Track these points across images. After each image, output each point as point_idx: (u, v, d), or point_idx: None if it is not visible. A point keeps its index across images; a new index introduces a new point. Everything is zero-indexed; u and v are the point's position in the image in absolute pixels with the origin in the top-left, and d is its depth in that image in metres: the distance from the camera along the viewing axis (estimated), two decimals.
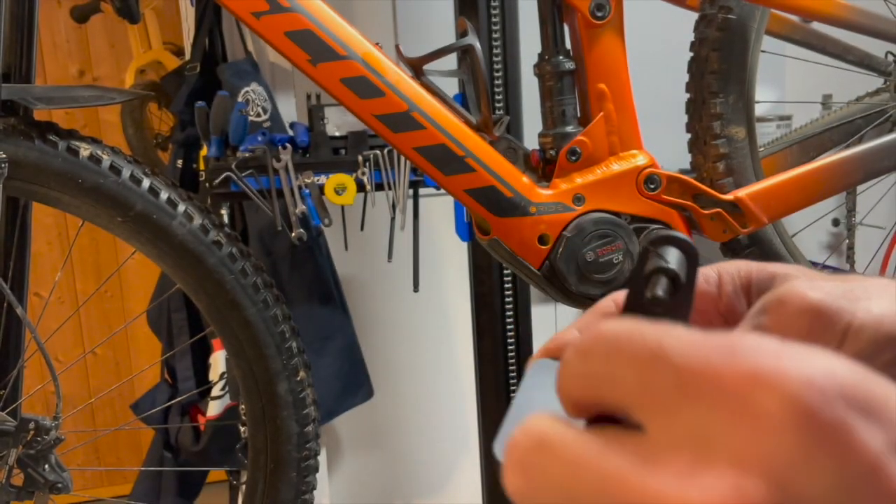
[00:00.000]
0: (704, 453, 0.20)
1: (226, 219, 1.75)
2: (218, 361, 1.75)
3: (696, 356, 0.21)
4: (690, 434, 0.20)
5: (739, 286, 0.37)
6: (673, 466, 0.20)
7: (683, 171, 1.04)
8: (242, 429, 1.49)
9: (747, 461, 0.19)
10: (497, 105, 1.53)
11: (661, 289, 0.29)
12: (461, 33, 1.00)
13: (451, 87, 1.09)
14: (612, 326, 0.23)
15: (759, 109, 1.10)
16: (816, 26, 1.23)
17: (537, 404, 0.27)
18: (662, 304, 0.29)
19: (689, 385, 0.21)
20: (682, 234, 0.30)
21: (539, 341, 1.79)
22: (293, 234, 1.47)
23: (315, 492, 1.17)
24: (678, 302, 0.29)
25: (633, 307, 0.29)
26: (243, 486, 1.48)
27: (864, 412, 0.19)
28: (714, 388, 0.20)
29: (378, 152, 1.51)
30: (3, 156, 0.93)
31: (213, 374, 1.76)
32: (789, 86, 1.97)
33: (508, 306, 1.69)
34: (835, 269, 1.97)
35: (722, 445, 0.20)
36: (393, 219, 1.60)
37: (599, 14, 0.97)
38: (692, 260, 0.30)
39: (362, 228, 1.71)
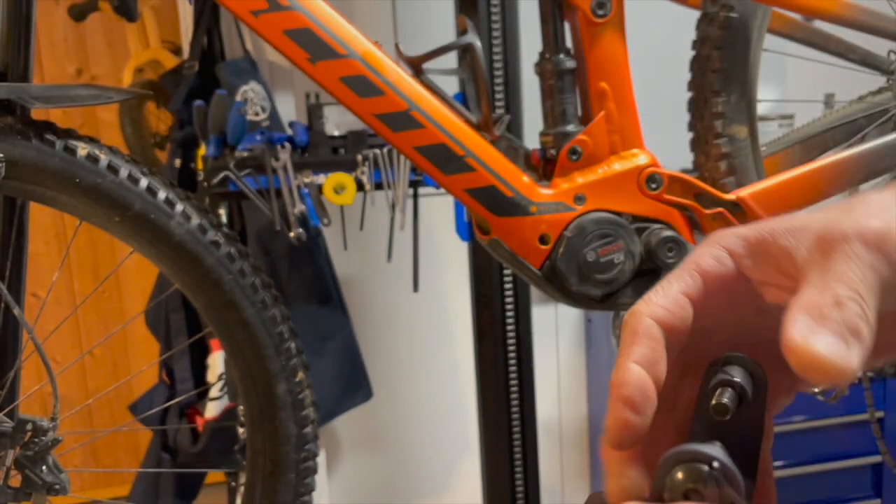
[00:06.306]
0: None
1: (224, 218, 1.74)
2: (216, 362, 1.74)
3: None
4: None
5: (752, 254, 0.34)
6: None
7: (685, 171, 1.04)
8: (241, 430, 1.49)
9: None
10: (497, 104, 1.53)
11: (726, 398, 0.30)
12: (461, 31, 0.99)
13: (451, 85, 1.09)
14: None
15: (760, 108, 1.09)
16: (818, 25, 1.22)
17: None
18: (729, 413, 0.30)
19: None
20: (745, 356, 0.30)
21: (539, 341, 1.79)
22: (292, 234, 1.47)
23: (314, 493, 1.16)
24: (747, 414, 0.30)
25: (701, 418, 0.30)
26: (241, 488, 1.47)
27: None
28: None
29: (377, 151, 1.50)
30: (0, 155, 0.92)
31: (212, 375, 1.75)
32: (791, 85, 1.97)
33: (508, 306, 1.68)
34: None
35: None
36: (392, 218, 1.59)
37: (601, 12, 0.97)
38: (760, 381, 0.31)
39: (361, 228, 1.71)
